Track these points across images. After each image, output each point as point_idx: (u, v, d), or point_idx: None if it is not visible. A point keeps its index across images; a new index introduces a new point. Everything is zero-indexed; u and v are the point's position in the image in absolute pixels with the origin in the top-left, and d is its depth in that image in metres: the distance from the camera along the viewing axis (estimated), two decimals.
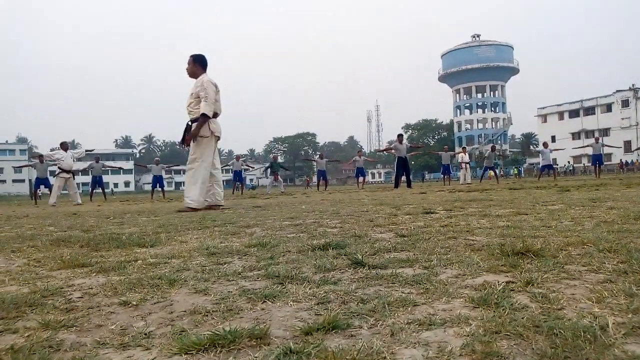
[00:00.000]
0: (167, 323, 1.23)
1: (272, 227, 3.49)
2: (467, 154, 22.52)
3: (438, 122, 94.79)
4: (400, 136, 16.44)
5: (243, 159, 23.71)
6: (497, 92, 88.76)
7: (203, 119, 6.05)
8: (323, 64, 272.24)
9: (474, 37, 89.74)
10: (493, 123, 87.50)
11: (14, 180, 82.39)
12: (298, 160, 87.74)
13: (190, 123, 6.27)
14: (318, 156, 22.64)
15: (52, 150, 15.17)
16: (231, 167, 20.70)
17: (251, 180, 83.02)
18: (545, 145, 20.07)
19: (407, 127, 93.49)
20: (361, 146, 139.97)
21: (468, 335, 1.02)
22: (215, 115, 6.29)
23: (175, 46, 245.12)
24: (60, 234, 3.49)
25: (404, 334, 1.05)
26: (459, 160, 21.97)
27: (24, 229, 4.17)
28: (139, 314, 1.31)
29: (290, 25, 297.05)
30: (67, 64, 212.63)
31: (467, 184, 18.79)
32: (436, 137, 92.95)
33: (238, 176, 20.61)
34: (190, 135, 6.15)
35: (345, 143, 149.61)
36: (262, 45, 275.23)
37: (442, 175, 22.35)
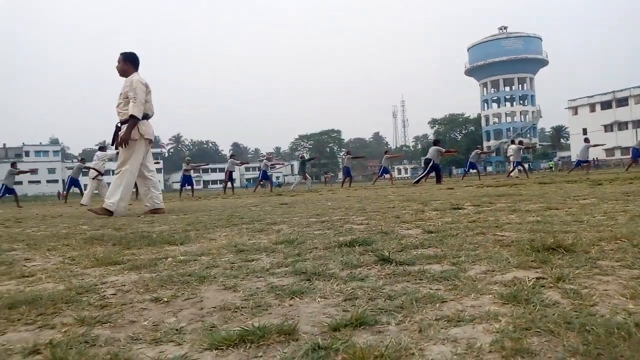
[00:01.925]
0: (197, 319, 1.25)
1: (299, 224, 3.51)
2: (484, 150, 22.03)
3: (465, 116, 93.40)
4: (436, 142, 16.85)
5: (270, 157, 23.88)
6: (525, 84, 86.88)
7: (132, 121, 5.78)
8: (348, 61, 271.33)
9: (501, 29, 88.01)
10: (522, 116, 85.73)
11: (48, 181, 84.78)
12: (323, 157, 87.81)
13: (119, 125, 6.04)
14: (344, 153, 22.66)
15: (83, 150, 15.57)
16: (261, 165, 20.96)
17: (277, 178, 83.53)
18: (586, 140, 19.57)
19: (434, 122, 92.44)
20: (387, 142, 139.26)
21: (497, 332, 1.01)
22: (147, 116, 6.03)
23: (197, 47, 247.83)
24: (93, 233, 3.59)
25: (432, 330, 1.04)
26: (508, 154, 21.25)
27: (58, 228, 4.30)
28: (170, 310, 1.34)
29: (314, 22, 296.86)
30: (93, 68, 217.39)
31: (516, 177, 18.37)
32: (463, 132, 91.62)
33: (265, 174, 20.79)
34: (120, 138, 5.86)
35: (371, 139, 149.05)
36: (286, 44, 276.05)
37: (466, 171, 22.01)
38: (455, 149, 32.98)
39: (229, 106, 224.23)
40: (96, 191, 13.76)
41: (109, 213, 5.75)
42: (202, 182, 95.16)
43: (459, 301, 1.26)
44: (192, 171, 19.49)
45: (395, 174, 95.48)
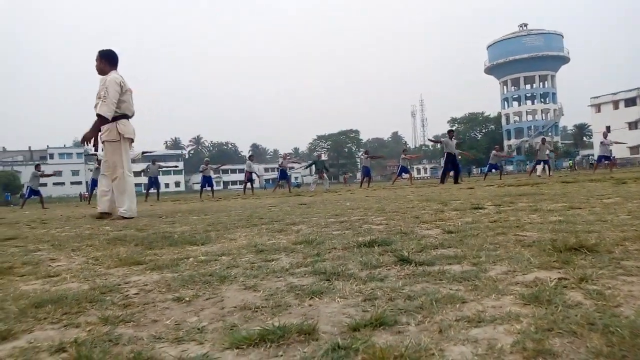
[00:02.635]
0: (218, 318, 1.27)
1: (318, 225, 3.52)
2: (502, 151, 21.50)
3: (485, 115, 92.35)
4: (450, 132, 16.23)
5: (288, 157, 23.97)
6: (546, 82, 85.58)
7: (98, 120, 5.57)
8: (366, 60, 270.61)
9: (521, 26, 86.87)
10: (543, 114, 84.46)
11: (72, 183, 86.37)
12: (341, 157, 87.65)
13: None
14: (362, 153, 22.63)
15: None
16: (278, 165, 21.05)
17: (296, 178, 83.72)
18: (604, 135, 19.01)
19: (453, 121, 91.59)
20: (406, 142, 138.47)
21: (519, 333, 1.00)
22: (126, 116, 5.83)
23: (215, 48, 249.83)
24: (116, 233, 3.65)
25: (452, 331, 1.04)
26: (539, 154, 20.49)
27: (82, 229, 4.38)
28: (192, 310, 1.36)
29: (331, 21, 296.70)
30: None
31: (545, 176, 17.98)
32: (483, 131, 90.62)
33: (283, 174, 20.86)
34: (83, 136, 5.69)
35: (390, 139, 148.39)
36: (304, 44, 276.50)
37: (487, 171, 21.61)
38: (471, 155, 32.50)
39: (248, 108, 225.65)
40: None
41: (127, 218, 5.59)
42: (222, 182, 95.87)
43: (479, 302, 1.25)
44: (212, 172, 19.67)
45: (415, 173, 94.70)
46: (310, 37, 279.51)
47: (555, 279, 1.42)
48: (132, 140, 5.96)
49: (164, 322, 1.26)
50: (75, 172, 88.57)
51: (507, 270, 1.59)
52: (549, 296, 1.23)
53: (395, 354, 0.91)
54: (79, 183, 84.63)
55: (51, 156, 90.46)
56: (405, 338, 1.02)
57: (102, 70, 5.79)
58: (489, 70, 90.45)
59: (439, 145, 15.87)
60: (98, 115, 5.52)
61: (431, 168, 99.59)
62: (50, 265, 2.29)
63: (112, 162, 5.70)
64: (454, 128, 23.52)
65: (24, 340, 1.16)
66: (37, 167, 17.74)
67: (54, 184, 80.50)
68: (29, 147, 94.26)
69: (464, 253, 1.92)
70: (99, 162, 16.96)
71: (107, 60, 5.84)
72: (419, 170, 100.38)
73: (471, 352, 0.93)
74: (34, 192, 17.36)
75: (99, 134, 5.70)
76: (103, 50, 5.92)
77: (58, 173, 17.71)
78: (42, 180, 18.15)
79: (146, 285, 1.72)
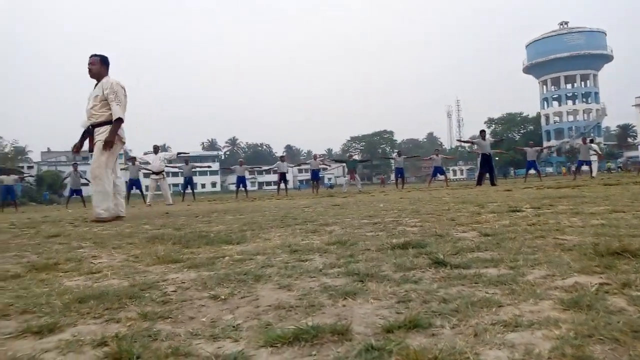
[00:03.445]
0: (253, 317, 1.28)
1: (351, 226, 3.51)
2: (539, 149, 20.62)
3: (523, 115, 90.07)
4: (482, 132, 15.85)
5: (320, 158, 23.99)
6: (588, 81, 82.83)
7: (117, 124, 5.71)
8: (400, 60, 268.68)
9: (561, 24, 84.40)
10: (585, 115, 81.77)
11: None
12: (375, 159, 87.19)
13: (91, 127, 5.87)
14: (396, 154, 22.41)
15: (145, 154, 16.35)
16: (310, 166, 21.06)
17: (329, 179, 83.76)
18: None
19: (490, 121, 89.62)
20: (441, 142, 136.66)
21: (558, 338, 0.98)
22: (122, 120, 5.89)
23: (248, 53, 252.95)
24: (154, 232, 3.75)
25: (488, 335, 1.02)
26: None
27: (122, 228, 4.51)
28: (227, 308, 1.39)
29: (363, 22, 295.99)
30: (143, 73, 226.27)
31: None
32: (522, 132, 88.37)
33: (315, 175, 20.86)
34: (106, 140, 5.71)
35: (425, 139, 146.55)
36: (337, 45, 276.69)
37: (526, 172, 20.94)
38: (506, 152, 31.66)
39: (282, 109, 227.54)
40: (158, 191, 14.34)
41: (104, 221, 5.53)
42: (256, 183, 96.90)
43: (516, 306, 1.23)
44: (246, 173, 19.92)
45: (451, 175, 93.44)
46: (341, 37, 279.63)
47: (596, 284, 1.38)
48: (123, 144, 6.09)
49: (200, 319, 1.29)
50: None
51: (545, 275, 1.55)
52: (589, 301, 1.20)
53: (429, 356, 0.91)
54: None
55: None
56: (439, 341, 1.01)
57: (99, 74, 5.83)
58: (528, 70, 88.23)
59: (468, 146, 15.40)
60: (119, 119, 5.68)
61: (467, 170, 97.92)
62: (92, 262, 2.37)
63: (100, 162, 5.70)
64: (486, 128, 22.76)
65: (69, 333, 1.20)
66: (75, 167, 18.39)
67: None
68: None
69: (501, 256, 1.88)
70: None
71: (106, 65, 5.91)
72: (454, 172, 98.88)
73: (507, 357, 0.91)
74: (75, 191, 18.04)
75: (95, 135, 5.79)
76: (102, 55, 5.97)
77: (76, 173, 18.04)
78: (83, 180, 18.77)
79: (183, 282, 1.76)
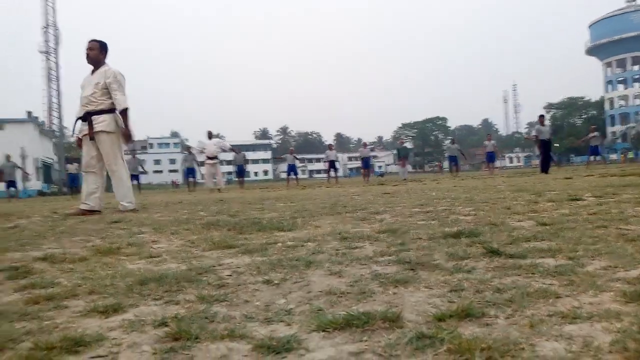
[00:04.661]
0: (305, 302, 1.31)
1: (402, 214, 3.49)
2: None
3: (585, 99, 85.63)
4: (541, 117, 15.18)
5: (370, 146, 23.84)
6: None
7: (126, 114, 5.46)
8: (453, 43, 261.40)
9: (629, 1, 79.24)
10: None
11: (170, 171, 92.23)
12: (428, 146, 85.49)
13: (87, 115, 5.49)
14: (449, 141, 21.94)
15: (200, 141, 16.88)
16: (359, 154, 21.01)
17: (380, 167, 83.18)
18: None
19: (550, 106, 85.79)
20: (497, 129, 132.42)
21: (619, 332, 0.94)
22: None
23: (301, 42, 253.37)
24: (210, 219, 3.86)
25: (544, 326, 1.00)
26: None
27: (179, 214, 4.68)
28: (280, 292, 1.42)
29: (411, 4, 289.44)
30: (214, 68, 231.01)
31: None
32: (583, 117, 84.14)
33: (366, 163, 20.79)
34: (124, 134, 5.50)
35: (479, 126, 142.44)
36: (391, 30, 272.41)
37: (588, 158, 19.85)
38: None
39: (332, 97, 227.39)
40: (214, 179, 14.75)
41: (133, 211, 5.41)
42: (307, 171, 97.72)
43: (575, 297, 1.19)
44: (296, 161, 20.14)
45: (507, 162, 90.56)
46: (391, 25, 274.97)
47: None
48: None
49: (254, 302, 1.33)
50: (172, 161, 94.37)
51: (607, 266, 1.49)
52: None
53: (482, 345, 0.90)
54: (176, 171, 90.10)
55: (151, 146, 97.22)
56: (493, 330, 0.99)
57: (97, 61, 5.57)
58: (591, 51, 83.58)
59: (538, 136, 14.57)
60: (125, 108, 5.46)
61: (524, 157, 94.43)
62: (152, 247, 2.48)
63: (113, 154, 5.50)
64: (545, 114, 21.37)
65: (131, 313, 1.27)
66: (133, 153, 19.32)
67: (154, 172, 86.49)
68: None
69: (559, 246, 1.82)
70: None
71: (105, 52, 5.66)
72: (511, 159, 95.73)
73: (564, 349, 0.88)
74: (134, 176, 18.96)
75: (94, 124, 5.45)
76: (101, 41, 5.72)
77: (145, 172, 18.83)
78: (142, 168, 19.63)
79: (238, 267, 1.81)
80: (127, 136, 5.49)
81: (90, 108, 5.47)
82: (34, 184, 41.00)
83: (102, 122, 5.45)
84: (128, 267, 1.94)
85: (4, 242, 2.87)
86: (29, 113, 45.96)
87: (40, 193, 36.86)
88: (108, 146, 5.46)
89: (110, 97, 5.46)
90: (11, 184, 18.58)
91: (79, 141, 5.69)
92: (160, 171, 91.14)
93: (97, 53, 5.57)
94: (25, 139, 40.73)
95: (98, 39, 5.72)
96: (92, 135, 5.44)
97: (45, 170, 46.19)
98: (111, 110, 5.49)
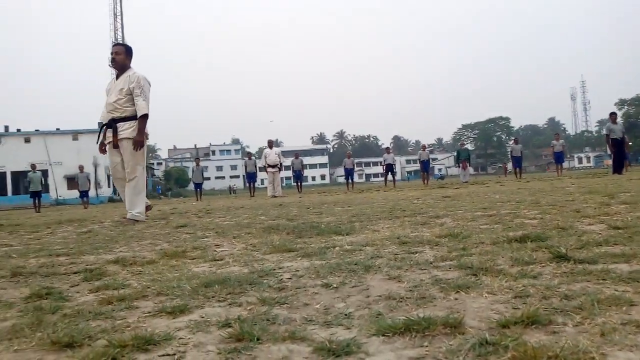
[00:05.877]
0: (364, 306, 1.31)
1: (463, 218, 3.41)
2: None
3: None
4: (613, 115, 14.32)
5: (429, 149, 23.49)
6: None
7: (144, 120, 5.37)
8: (515, 40, 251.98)
9: None
10: None
11: (231, 176, 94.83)
12: (490, 147, 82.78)
13: (112, 121, 5.44)
14: (512, 141, 21.18)
15: (260, 149, 17.52)
16: (418, 157, 20.77)
17: (439, 169, 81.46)
18: None
19: (622, 103, 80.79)
20: (564, 128, 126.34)
21: None
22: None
23: (357, 47, 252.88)
24: (270, 223, 3.94)
25: (617, 335, 0.95)
26: None
27: (241, 218, 4.81)
28: (339, 296, 1.43)
29: (481, 2, 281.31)
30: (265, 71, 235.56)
31: None
32: None
33: (424, 166, 20.49)
34: (135, 141, 5.35)
35: (545, 125, 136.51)
36: (451, 29, 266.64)
37: None
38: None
39: (389, 100, 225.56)
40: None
41: (135, 222, 5.22)
42: (364, 175, 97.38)
43: None
44: (353, 165, 20.21)
45: (575, 163, 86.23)
46: (452, 25, 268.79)
47: None
48: (147, 138, 5.81)
49: (314, 306, 1.35)
50: (233, 167, 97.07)
51: None
52: None
53: (549, 354, 0.86)
54: (237, 177, 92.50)
55: (213, 153, 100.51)
56: (560, 338, 0.95)
57: (123, 65, 5.52)
58: None
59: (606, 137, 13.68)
60: (145, 115, 5.38)
61: (595, 157, 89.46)
62: (215, 250, 2.56)
63: (134, 161, 5.41)
64: (617, 111, 19.92)
65: (197, 314, 1.32)
66: (197, 161, 20.13)
67: (216, 177, 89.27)
68: (195, 145, 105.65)
69: (634, 251, 1.72)
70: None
71: (130, 56, 5.64)
72: (580, 159, 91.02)
73: None
74: (197, 184, 19.72)
75: (119, 131, 5.42)
76: (127, 45, 5.82)
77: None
78: (205, 174, 20.44)
79: (297, 271, 1.84)
80: (137, 143, 5.39)
81: (116, 115, 5.44)
82: (105, 190, 43.65)
83: (126, 130, 5.43)
84: (193, 269, 2.02)
85: (80, 246, 3.07)
86: (100, 124, 48.67)
87: (111, 200, 39.12)
88: (130, 153, 5.41)
89: (134, 104, 5.40)
90: (84, 193, 19.90)
91: (102, 147, 5.66)
92: (223, 177, 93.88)
93: (123, 58, 5.53)
94: (97, 148, 43.20)
95: (126, 43, 5.78)
96: (116, 142, 5.42)
97: None
98: (136, 117, 5.43)
